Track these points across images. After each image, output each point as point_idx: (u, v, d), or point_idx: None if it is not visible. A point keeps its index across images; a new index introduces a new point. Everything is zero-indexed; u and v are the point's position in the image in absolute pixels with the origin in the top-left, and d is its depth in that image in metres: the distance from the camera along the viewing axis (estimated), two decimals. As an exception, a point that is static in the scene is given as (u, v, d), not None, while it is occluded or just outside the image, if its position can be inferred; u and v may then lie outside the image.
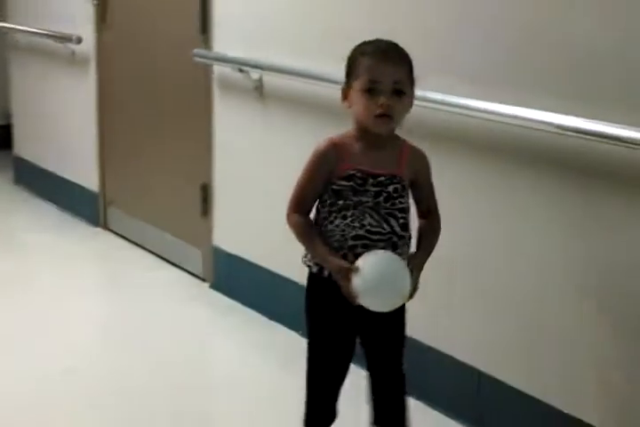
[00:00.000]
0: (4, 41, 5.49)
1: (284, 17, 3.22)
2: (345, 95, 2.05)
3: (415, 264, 2.00)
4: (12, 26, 5.16)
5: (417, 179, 2.07)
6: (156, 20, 4.03)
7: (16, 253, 4.30)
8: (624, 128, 2.04)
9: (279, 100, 3.28)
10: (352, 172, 2.00)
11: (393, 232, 2.01)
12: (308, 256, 2.10)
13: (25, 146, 5.32)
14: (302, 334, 3.12)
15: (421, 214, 2.11)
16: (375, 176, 2.00)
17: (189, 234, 3.92)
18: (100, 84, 4.48)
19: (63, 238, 4.47)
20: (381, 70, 1.96)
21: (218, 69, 3.57)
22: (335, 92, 2.86)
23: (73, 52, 4.61)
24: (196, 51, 3.59)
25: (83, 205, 4.69)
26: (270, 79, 3.28)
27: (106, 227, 4.55)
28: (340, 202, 2.00)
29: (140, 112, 4.24)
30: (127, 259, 4.19)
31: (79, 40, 4.47)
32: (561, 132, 2.18)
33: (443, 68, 2.53)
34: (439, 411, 2.69)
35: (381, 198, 2.00)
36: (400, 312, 2.09)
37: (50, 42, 4.75)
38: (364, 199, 2.00)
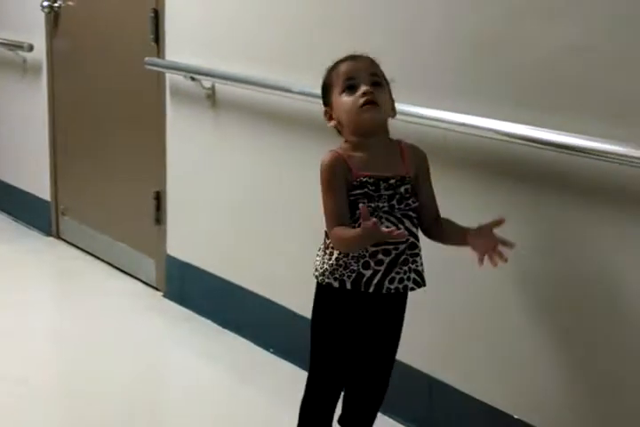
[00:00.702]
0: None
1: (236, 25, 3.21)
2: (329, 116, 2.07)
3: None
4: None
5: (418, 177, 2.07)
6: (109, 28, 4.01)
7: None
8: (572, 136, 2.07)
9: (231, 108, 3.28)
10: (363, 179, 1.99)
11: (410, 233, 2.02)
12: (326, 273, 2.04)
13: (-24, 155, 5.26)
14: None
15: (429, 220, 2.09)
16: (386, 179, 2.00)
17: (143, 243, 3.90)
18: (52, 93, 4.44)
19: (15, 248, 4.42)
20: (355, 67, 2.01)
21: (170, 77, 3.56)
22: (286, 100, 2.90)
23: (24, 60, 4.57)
24: (147, 59, 3.57)
25: (36, 215, 4.64)
26: (222, 87, 3.28)
27: (59, 236, 4.51)
28: (357, 212, 1.97)
29: (93, 120, 4.21)
30: (80, 268, 4.15)
31: (31, 48, 4.43)
32: (508, 139, 2.21)
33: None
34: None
35: (395, 201, 2.01)
36: (399, 322, 2.12)
37: (1, 49, 4.70)
38: (380, 204, 2.00)
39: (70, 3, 4.24)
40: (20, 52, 4.54)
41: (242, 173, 3.28)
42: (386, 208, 2.00)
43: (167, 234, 3.70)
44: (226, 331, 3.38)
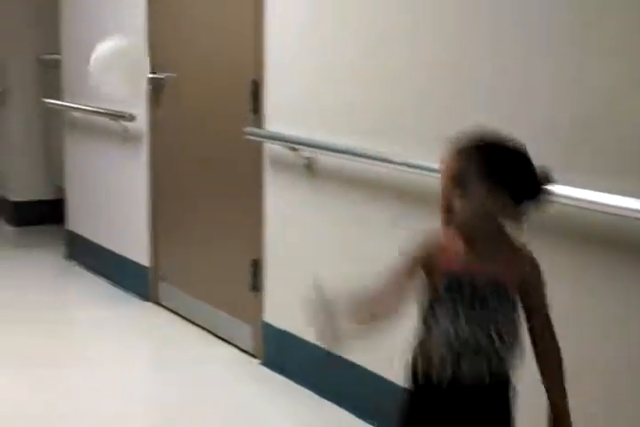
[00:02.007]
0: (60, 118, 5.63)
1: (337, 95, 3.26)
2: None
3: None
4: (69, 104, 5.29)
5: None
6: (209, 98, 4.11)
7: (67, 327, 4.33)
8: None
9: (330, 178, 3.31)
10: None
11: None
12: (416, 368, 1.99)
13: (77, 220, 5.40)
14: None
15: None
16: None
17: (239, 310, 3.92)
18: (152, 161, 4.55)
19: (114, 313, 4.49)
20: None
21: (269, 147, 3.62)
22: (386, 170, 2.91)
23: (126, 129, 4.70)
24: (247, 129, 3.65)
25: (134, 280, 4.72)
26: (321, 157, 3.31)
27: (157, 302, 4.57)
28: None
29: (192, 188, 4.29)
30: (177, 334, 4.19)
31: (132, 118, 4.57)
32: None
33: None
34: None
35: None
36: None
37: (104, 119, 4.85)
38: None
39: (172, 74, 4.36)
40: (122, 122, 4.68)
41: (339, 243, 3.29)
42: None
43: (264, 301, 3.72)
44: (325, 401, 3.35)
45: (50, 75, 6.16)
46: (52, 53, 6.04)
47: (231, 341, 3.98)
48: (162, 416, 3.34)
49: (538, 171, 1.87)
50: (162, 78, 4.42)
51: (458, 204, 1.89)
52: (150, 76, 4.43)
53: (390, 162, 2.87)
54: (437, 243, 1.96)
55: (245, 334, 3.88)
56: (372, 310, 1.94)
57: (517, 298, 1.92)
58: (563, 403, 1.92)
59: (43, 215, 6.27)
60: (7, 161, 6.46)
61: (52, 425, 3.21)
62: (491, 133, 1.91)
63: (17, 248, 5.97)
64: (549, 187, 1.87)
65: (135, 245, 4.71)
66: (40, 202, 6.34)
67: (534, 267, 1.93)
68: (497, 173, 1.87)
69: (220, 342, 4.02)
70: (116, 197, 4.93)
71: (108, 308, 4.57)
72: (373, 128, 3.07)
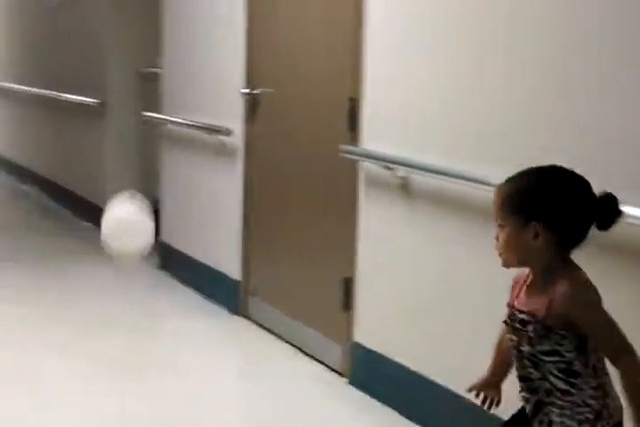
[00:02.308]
0: (157, 131, 5.72)
1: (436, 114, 3.23)
2: None
3: None
4: (166, 117, 5.37)
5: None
6: (305, 115, 4.12)
7: (158, 338, 4.38)
8: None
9: (426, 198, 3.28)
10: None
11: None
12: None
13: (171, 232, 5.47)
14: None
15: None
16: None
17: (329, 328, 3.91)
18: (246, 176, 4.58)
19: (204, 326, 4.53)
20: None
21: (364, 165, 3.60)
22: (482, 193, 2.87)
23: (222, 144, 4.75)
24: (343, 146, 3.64)
25: (225, 293, 4.75)
26: (417, 177, 3.29)
27: (246, 316, 4.59)
28: None
29: (286, 204, 4.30)
30: (266, 349, 4.20)
31: (229, 132, 4.61)
32: None
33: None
34: None
35: None
36: None
37: (200, 133, 4.91)
38: None
39: (269, 90, 4.39)
40: (219, 136, 4.73)
41: (433, 265, 3.26)
42: None
43: (355, 320, 3.70)
44: (412, 424, 3.31)
45: (149, 88, 6.27)
46: (151, 67, 6.16)
47: (319, 358, 3.96)
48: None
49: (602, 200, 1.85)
50: (258, 94, 4.45)
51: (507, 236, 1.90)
52: (247, 91, 4.48)
53: (489, 185, 2.82)
54: (518, 277, 1.97)
55: (334, 352, 3.87)
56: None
57: (572, 334, 1.84)
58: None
59: (137, 226, 6.36)
60: (103, 171, 6.59)
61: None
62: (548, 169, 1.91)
63: (110, 257, 6.06)
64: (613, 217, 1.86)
65: (227, 259, 4.75)
66: (135, 212, 6.44)
67: (570, 301, 1.83)
68: (549, 214, 1.86)
69: (308, 358, 4.01)
70: (209, 211, 4.98)
71: (198, 320, 4.61)
72: (473, 150, 3.04)
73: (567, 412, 1.86)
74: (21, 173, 8.75)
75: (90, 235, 6.50)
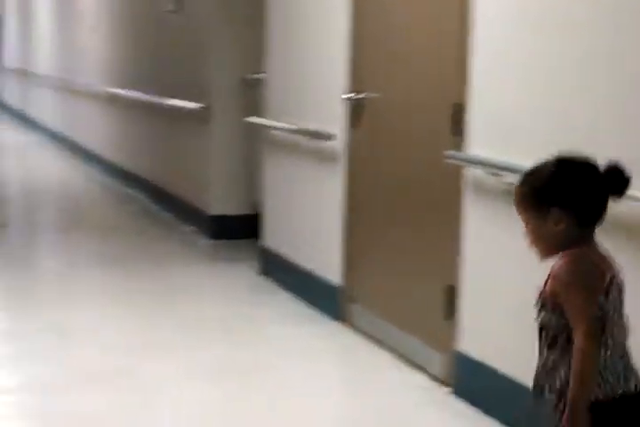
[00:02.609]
0: (260, 135, 5.75)
1: (542, 120, 3.15)
2: None
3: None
4: (269, 122, 5.39)
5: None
6: (409, 120, 4.07)
7: (257, 343, 4.38)
8: None
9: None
10: None
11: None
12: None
13: (272, 237, 5.48)
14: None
15: None
16: None
17: (432, 336, 3.85)
18: (348, 181, 4.56)
19: (304, 331, 4.52)
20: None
21: (470, 171, 3.54)
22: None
23: (324, 149, 4.74)
24: (448, 152, 3.58)
25: (325, 299, 4.73)
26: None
27: (347, 322, 4.56)
28: None
29: (388, 210, 4.26)
30: (366, 356, 4.16)
31: (331, 137, 4.59)
32: None
33: None
34: None
35: None
36: None
37: (303, 138, 4.91)
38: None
39: (372, 95, 4.35)
40: (321, 141, 4.71)
41: (540, 273, 3.16)
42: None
43: (458, 330, 3.63)
44: (516, 436, 3.24)
45: (252, 94, 6.31)
46: (255, 73, 6.20)
47: (421, 367, 3.90)
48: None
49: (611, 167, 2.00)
50: (361, 98, 4.42)
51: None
52: (350, 96, 4.46)
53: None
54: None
55: (436, 361, 3.80)
56: None
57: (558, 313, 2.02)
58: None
59: (239, 230, 6.42)
60: (207, 176, 6.66)
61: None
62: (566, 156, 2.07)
63: (213, 261, 6.13)
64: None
65: (328, 265, 4.73)
66: (237, 217, 6.50)
67: (556, 279, 2.01)
68: (562, 194, 2.02)
69: (410, 367, 3.95)
70: (310, 216, 4.97)
71: (298, 326, 4.60)
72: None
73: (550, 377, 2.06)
74: (127, 177, 8.92)
75: (192, 239, 6.60)
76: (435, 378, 3.79)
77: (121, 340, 4.32)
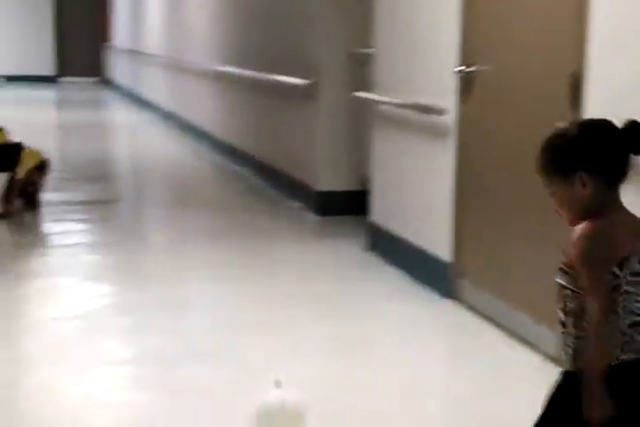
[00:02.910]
0: (367, 111, 5.71)
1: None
2: None
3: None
4: (378, 97, 5.34)
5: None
6: (522, 93, 3.97)
7: (365, 319, 4.36)
8: None
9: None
10: None
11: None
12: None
13: (380, 212, 5.44)
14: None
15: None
16: None
17: (543, 314, 3.75)
18: (458, 156, 4.48)
19: (412, 308, 4.48)
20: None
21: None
22: None
23: (434, 124, 4.66)
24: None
25: (434, 276, 4.68)
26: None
27: (456, 299, 4.50)
28: None
29: (499, 185, 4.17)
30: (475, 333, 4.10)
31: (442, 112, 4.52)
32: None
33: None
34: None
35: None
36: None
37: (412, 112, 4.85)
38: None
39: (484, 67, 4.26)
40: (431, 116, 4.64)
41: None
42: None
43: (572, 307, 3.54)
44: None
45: (360, 69, 6.27)
46: (363, 47, 6.15)
47: (533, 345, 3.83)
48: (455, 414, 3.28)
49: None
50: (473, 71, 4.33)
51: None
52: (461, 69, 4.37)
53: None
54: None
55: (548, 339, 3.71)
56: None
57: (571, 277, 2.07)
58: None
59: (346, 206, 6.40)
60: (314, 152, 6.66)
61: (358, 416, 3.23)
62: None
63: (320, 238, 6.14)
64: None
65: (437, 241, 4.67)
66: (344, 193, 6.49)
67: (574, 247, 2.03)
68: (588, 159, 2.04)
69: (521, 345, 3.88)
70: (420, 191, 4.91)
71: (406, 302, 4.56)
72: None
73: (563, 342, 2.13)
74: (235, 154, 9.00)
75: (299, 215, 6.62)
76: (547, 356, 3.71)
77: (230, 315, 4.35)
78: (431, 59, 4.75)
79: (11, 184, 6.42)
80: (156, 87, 14.25)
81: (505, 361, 3.76)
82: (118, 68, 19.28)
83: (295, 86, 6.87)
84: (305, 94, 6.78)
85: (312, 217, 6.55)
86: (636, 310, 2.06)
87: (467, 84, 4.40)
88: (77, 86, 20.92)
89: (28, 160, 6.52)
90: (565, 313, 2.13)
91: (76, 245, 5.79)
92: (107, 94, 19.10)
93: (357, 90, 5.76)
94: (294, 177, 7.08)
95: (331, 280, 4.96)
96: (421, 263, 4.83)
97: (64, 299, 4.58)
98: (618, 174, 2.06)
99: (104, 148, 11.09)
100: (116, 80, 19.48)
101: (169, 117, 12.81)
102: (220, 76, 9.57)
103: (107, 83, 21.09)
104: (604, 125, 2.08)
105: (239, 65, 8.71)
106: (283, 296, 4.64)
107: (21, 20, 21.58)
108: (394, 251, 5.18)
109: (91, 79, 21.93)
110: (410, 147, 5.02)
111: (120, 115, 15.00)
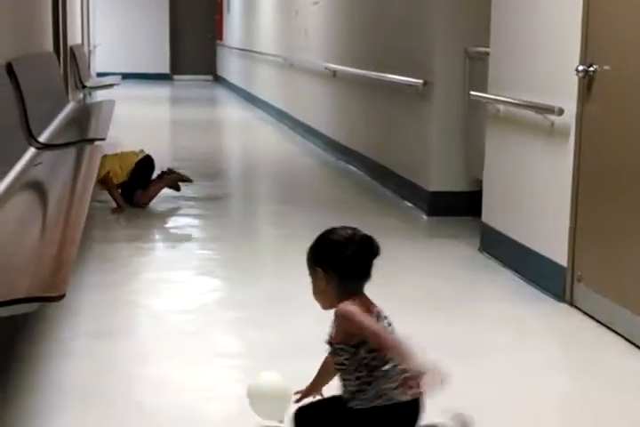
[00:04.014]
0: (482, 110, 5.63)
1: None
2: None
3: None
4: (493, 96, 5.26)
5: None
6: (648, 92, 3.85)
7: (477, 320, 4.31)
8: None
9: None
10: None
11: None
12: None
13: (493, 213, 5.36)
14: None
15: None
16: None
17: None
18: (578, 158, 4.37)
19: (525, 310, 4.40)
20: None
21: None
22: None
23: (552, 124, 4.56)
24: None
25: (549, 279, 4.58)
26: None
27: (572, 303, 4.40)
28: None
29: (620, 189, 4.05)
30: (592, 339, 4.00)
31: (560, 112, 4.42)
32: None
33: None
34: None
35: None
36: None
37: (529, 112, 4.76)
38: None
39: (607, 67, 4.15)
40: (549, 116, 4.55)
41: None
42: None
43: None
44: None
45: (475, 67, 6.19)
46: (479, 46, 6.07)
47: (653, 353, 3.71)
48: (571, 421, 3.19)
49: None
50: (595, 71, 4.22)
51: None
52: (583, 68, 4.26)
53: None
54: None
55: (670, 347, 3.60)
56: None
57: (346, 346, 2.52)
58: None
59: (458, 206, 6.34)
60: (427, 151, 6.60)
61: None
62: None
63: (431, 238, 6.09)
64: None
65: (553, 243, 4.57)
66: (456, 193, 6.42)
67: (342, 326, 2.54)
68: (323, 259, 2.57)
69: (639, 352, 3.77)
70: (536, 193, 4.82)
71: (520, 304, 4.48)
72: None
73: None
74: (345, 152, 9.01)
75: (411, 215, 6.58)
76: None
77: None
78: (551, 57, 4.65)
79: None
80: (267, 85, 14.39)
81: (624, 370, 3.65)
82: (230, 67, 19.56)
83: (409, 85, 6.83)
84: (418, 93, 6.73)
85: (423, 217, 6.50)
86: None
87: (588, 83, 4.29)
88: (191, 84, 21.31)
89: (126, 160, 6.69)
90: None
91: (188, 239, 5.88)
92: (219, 92, 19.40)
93: (472, 89, 5.68)
94: (406, 176, 7.04)
95: (441, 280, 4.91)
96: (536, 266, 4.74)
97: (178, 292, 4.66)
98: (354, 273, 2.56)
99: (215, 144, 11.26)
100: (229, 78, 19.76)
101: (280, 115, 12.92)
102: (333, 75, 9.60)
103: (219, 80, 21.42)
104: (342, 233, 2.57)
105: (352, 64, 8.72)
106: (392, 295, 4.55)
107: (138, 20, 22.13)
108: (507, 252, 5.10)
109: (204, 77, 22.32)
110: (526, 147, 4.93)
111: (232, 112, 15.20)
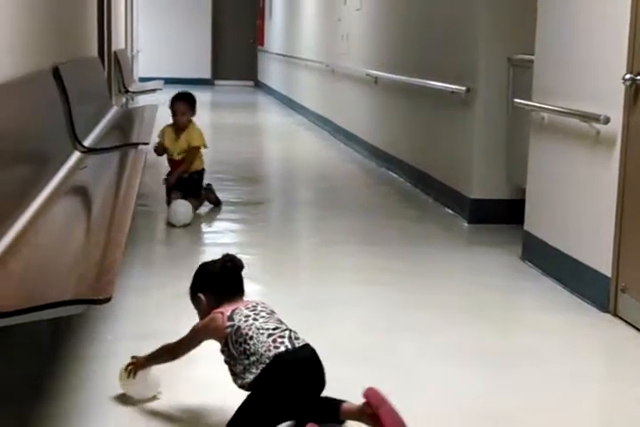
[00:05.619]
0: (525, 118, 5.60)
1: None
2: None
3: None
4: (537, 104, 5.23)
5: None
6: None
7: (518, 329, 4.28)
8: None
9: None
10: None
11: None
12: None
13: (535, 222, 5.33)
14: None
15: None
16: None
17: None
18: (624, 167, 4.33)
19: (567, 320, 4.36)
20: None
21: None
22: None
23: (598, 133, 4.53)
24: None
25: (592, 289, 4.54)
26: None
27: (615, 314, 4.35)
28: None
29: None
30: (635, 351, 3.96)
31: (606, 120, 4.38)
32: None
33: None
34: None
35: None
36: None
37: (574, 120, 4.72)
38: None
39: (655, 75, 4.11)
40: (595, 124, 4.51)
41: None
42: None
43: None
44: None
45: (518, 75, 6.16)
46: (522, 53, 6.04)
47: (698, 366, 3.66)
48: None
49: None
50: (642, 79, 4.19)
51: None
52: (629, 76, 4.22)
53: None
54: None
55: None
56: None
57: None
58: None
59: (500, 214, 6.31)
60: (469, 159, 6.58)
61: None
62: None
63: (472, 245, 6.06)
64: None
65: (597, 253, 4.53)
66: (498, 201, 6.39)
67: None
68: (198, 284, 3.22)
69: (685, 366, 3.72)
70: (579, 202, 4.78)
71: (562, 314, 4.44)
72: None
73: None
74: (386, 159, 9.01)
75: (451, 222, 6.56)
76: None
77: (376, 318, 4.34)
78: (598, 66, 4.61)
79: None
80: (308, 91, 14.42)
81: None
82: (271, 72, 19.63)
83: (451, 92, 6.81)
84: (461, 101, 6.71)
85: (464, 224, 6.48)
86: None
87: (635, 92, 4.25)
88: (232, 89, 21.41)
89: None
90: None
91: (229, 244, 5.90)
92: (260, 97, 19.47)
93: (515, 97, 5.65)
94: (447, 183, 7.02)
95: (483, 288, 4.88)
96: (579, 275, 4.70)
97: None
98: (225, 292, 3.13)
99: (256, 149, 11.30)
100: (269, 83, 19.83)
101: (321, 121, 12.94)
102: (375, 82, 9.60)
103: (260, 86, 21.50)
104: (210, 264, 3.24)
105: (394, 70, 8.71)
106: (433, 303, 4.59)
107: (180, 26, 22.30)
108: (549, 261, 5.06)
109: (245, 82, 22.42)
110: (570, 156, 4.90)
111: (272, 117, 15.25)
